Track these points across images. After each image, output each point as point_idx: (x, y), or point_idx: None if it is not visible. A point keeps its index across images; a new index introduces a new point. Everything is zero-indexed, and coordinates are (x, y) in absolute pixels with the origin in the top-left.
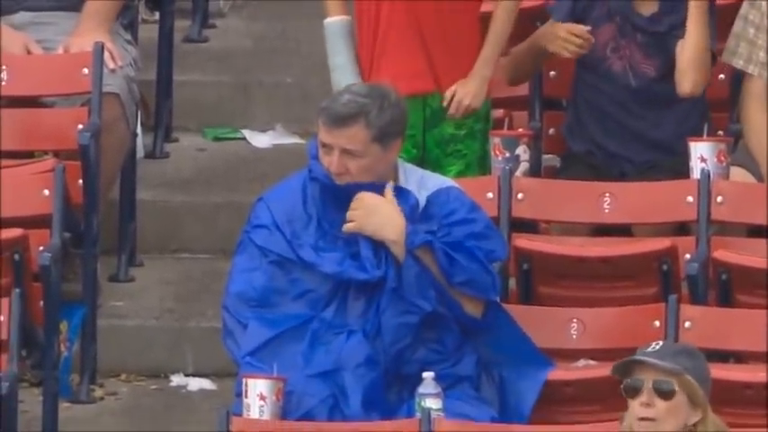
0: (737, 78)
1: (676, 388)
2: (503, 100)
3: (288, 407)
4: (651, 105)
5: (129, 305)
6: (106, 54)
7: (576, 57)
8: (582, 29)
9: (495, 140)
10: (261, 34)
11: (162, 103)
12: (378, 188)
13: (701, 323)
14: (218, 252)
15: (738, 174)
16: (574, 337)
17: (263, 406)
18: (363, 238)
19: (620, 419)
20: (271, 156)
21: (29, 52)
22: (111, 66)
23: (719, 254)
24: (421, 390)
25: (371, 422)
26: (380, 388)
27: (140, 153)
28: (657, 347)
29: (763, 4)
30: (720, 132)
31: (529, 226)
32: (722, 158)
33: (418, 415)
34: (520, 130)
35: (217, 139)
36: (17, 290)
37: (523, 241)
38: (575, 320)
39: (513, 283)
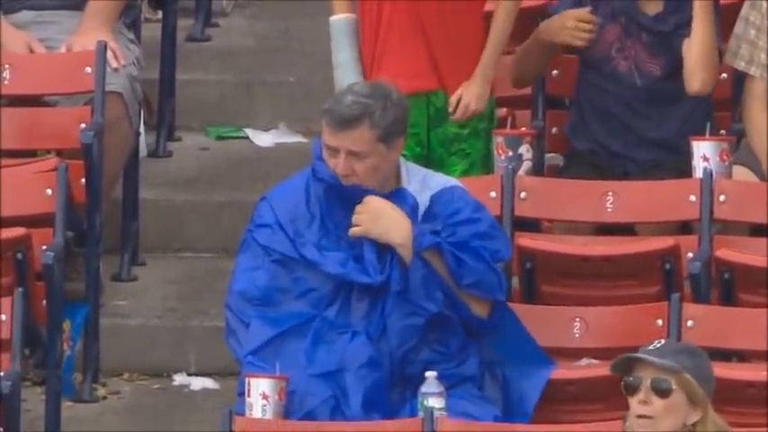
0: (740, 78)
1: (674, 386)
2: (506, 99)
3: (290, 406)
4: (656, 104)
5: (132, 304)
6: (109, 53)
7: (585, 45)
8: (589, 15)
9: (498, 139)
10: (264, 33)
11: (165, 102)
12: (401, 195)
13: (703, 322)
14: (220, 251)
15: (741, 173)
16: (576, 335)
17: (265, 405)
18: (368, 241)
19: (622, 418)
20: (274, 154)
21: (31, 51)
22: (114, 65)
23: (722, 253)
24: (424, 389)
25: (374, 421)
26: (382, 389)
27: (143, 152)
28: (659, 346)
29: (764, 5)
30: (723, 131)
31: (532, 225)
32: (725, 157)
33: (421, 414)
34: (523, 129)
35: (220, 137)
36: (20, 289)
37: (526, 240)
38: (577, 319)
39: (515, 281)
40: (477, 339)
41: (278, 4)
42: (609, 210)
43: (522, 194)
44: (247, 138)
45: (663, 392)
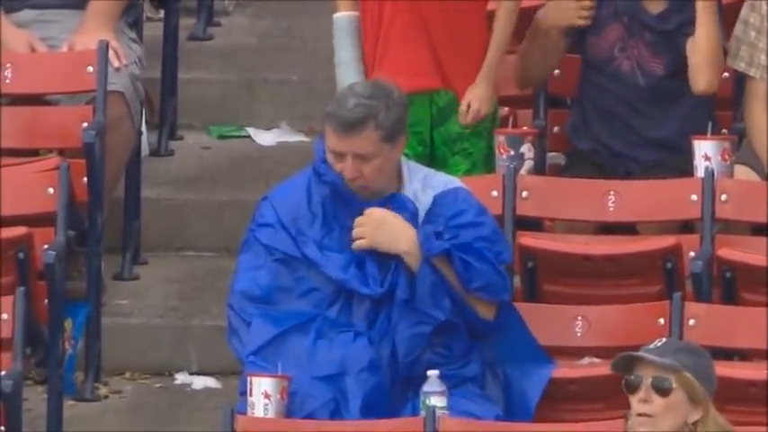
0: (741, 77)
1: (674, 385)
2: (507, 98)
3: (291, 407)
4: (658, 104)
5: (134, 303)
6: (111, 52)
7: (587, 24)
8: None
9: (500, 139)
10: (265, 32)
11: (167, 101)
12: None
13: (705, 321)
14: (222, 250)
15: (742, 172)
16: (578, 334)
17: (267, 404)
18: (369, 253)
19: (624, 417)
20: (275, 153)
21: (33, 50)
22: (116, 64)
23: (723, 252)
24: (425, 388)
25: (376, 420)
26: (382, 394)
27: (145, 151)
28: (660, 344)
29: (764, 7)
30: (724, 131)
31: (533, 224)
32: (726, 157)
33: (423, 413)
34: (524, 128)
35: (222, 136)
36: (21, 288)
37: (528, 239)
38: (579, 318)
39: (517, 280)
40: (481, 341)
41: (280, 3)
42: (610, 209)
43: (524, 194)
44: (249, 137)
45: (663, 391)
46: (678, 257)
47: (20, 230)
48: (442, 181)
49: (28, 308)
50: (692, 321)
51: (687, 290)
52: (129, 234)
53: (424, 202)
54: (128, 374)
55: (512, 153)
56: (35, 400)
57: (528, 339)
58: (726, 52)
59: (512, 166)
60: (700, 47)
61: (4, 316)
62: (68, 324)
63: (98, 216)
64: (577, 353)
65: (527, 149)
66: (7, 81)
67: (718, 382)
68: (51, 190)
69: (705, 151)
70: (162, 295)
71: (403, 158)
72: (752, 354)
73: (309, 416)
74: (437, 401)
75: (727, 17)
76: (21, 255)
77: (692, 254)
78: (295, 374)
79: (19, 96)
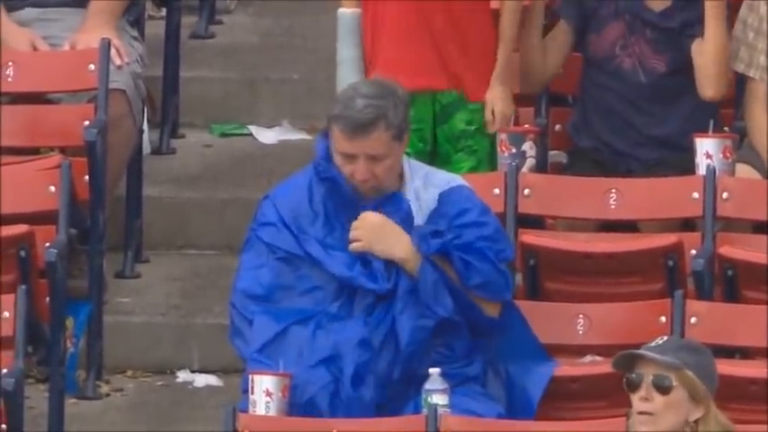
0: (742, 76)
1: (675, 383)
2: None
3: (293, 398)
4: (659, 101)
5: (136, 301)
6: (112, 50)
7: None
8: None
9: (502, 137)
10: (267, 30)
11: (168, 100)
12: (395, 200)
13: (706, 319)
14: (224, 248)
15: (744, 170)
16: (580, 332)
17: (269, 402)
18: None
19: (626, 415)
20: (277, 152)
21: (35, 48)
22: (118, 62)
23: (725, 250)
24: (427, 386)
25: (379, 419)
26: (373, 369)
27: (147, 149)
28: (661, 342)
29: (762, 7)
30: (726, 129)
31: (535, 222)
32: (728, 155)
33: (425, 411)
34: (526, 126)
35: (223, 135)
36: (23, 286)
37: (530, 237)
38: (581, 316)
39: (519, 278)
40: (483, 339)
41: (281, 2)
42: (612, 207)
43: (526, 191)
44: (251, 135)
45: (664, 389)
46: (679, 255)
47: (21, 228)
48: (444, 178)
49: (29, 306)
50: (693, 319)
51: (688, 288)
52: (130, 232)
53: (425, 199)
54: (129, 372)
55: (514, 151)
56: (37, 398)
57: (529, 338)
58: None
59: (514, 164)
60: (708, 53)
61: (6, 314)
62: (70, 322)
63: (100, 214)
64: (579, 351)
65: (529, 147)
66: (9, 79)
67: (720, 380)
68: (53, 188)
69: (707, 149)
70: (164, 293)
71: (404, 156)
72: (753, 352)
73: (310, 401)
74: (439, 399)
75: (730, 16)
76: (22, 253)
77: (694, 252)
78: (296, 366)
79: (20, 95)
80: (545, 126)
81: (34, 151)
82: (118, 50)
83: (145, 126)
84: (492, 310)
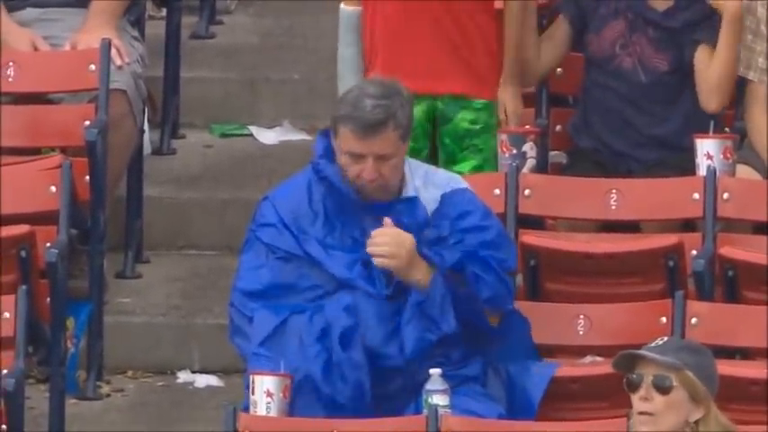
0: (743, 77)
1: (675, 383)
2: None
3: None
4: (660, 100)
5: (136, 302)
6: (113, 51)
7: None
8: None
9: (503, 137)
10: (268, 31)
11: (169, 100)
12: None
13: (707, 319)
14: (224, 248)
15: (744, 171)
16: (580, 333)
17: (269, 403)
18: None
19: (626, 416)
20: (278, 152)
21: (36, 49)
22: (119, 62)
23: (725, 250)
24: (428, 386)
25: (379, 419)
26: (358, 331)
27: (147, 149)
28: (661, 343)
29: (759, 9)
30: (726, 129)
31: (536, 222)
32: (728, 155)
33: (425, 412)
34: (527, 126)
35: (224, 135)
36: (24, 286)
37: (530, 238)
38: (581, 317)
39: (519, 279)
40: (482, 345)
41: (282, 2)
42: (612, 207)
43: (527, 192)
44: (251, 135)
45: (664, 389)
46: (680, 256)
47: (22, 229)
48: (444, 178)
49: (30, 306)
50: (694, 320)
51: (689, 288)
52: (131, 232)
53: (426, 198)
54: (130, 373)
55: (514, 152)
56: (37, 398)
57: (527, 342)
58: None
59: (514, 164)
60: (717, 69)
61: (6, 314)
62: (70, 322)
63: (100, 214)
64: (579, 351)
65: (529, 148)
66: (10, 80)
67: (720, 381)
68: (53, 188)
69: (707, 150)
70: (164, 294)
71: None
72: (754, 352)
73: (307, 377)
74: (439, 400)
75: None
76: (23, 253)
77: (694, 252)
78: (299, 354)
79: (21, 95)
80: (545, 127)
81: (35, 151)
82: (118, 50)
83: (145, 126)
84: (492, 320)
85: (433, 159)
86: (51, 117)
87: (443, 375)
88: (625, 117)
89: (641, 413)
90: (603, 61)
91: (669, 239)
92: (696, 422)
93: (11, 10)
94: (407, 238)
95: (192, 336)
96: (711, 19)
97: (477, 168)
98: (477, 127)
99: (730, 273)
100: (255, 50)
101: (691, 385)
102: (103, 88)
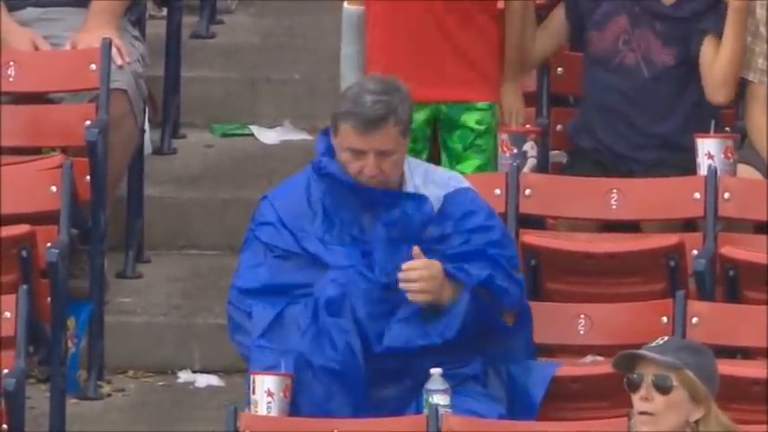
0: (743, 78)
1: (674, 383)
2: None
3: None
4: (661, 97)
5: (137, 301)
6: (114, 50)
7: None
8: None
9: (503, 137)
10: (268, 30)
11: (169, 100)
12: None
13: (708, 319)
14: (225, 248)
15: (745, 171)
16: (581, 332)
17: (270, 402)
18: (380, 242)
19: (627, 416)
20: (278, 152)
21: (36, 48)
22: (119, 62)
23: (726, 250)
24: (428, 386)
25: (380, 419)
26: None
27: (148, 149)
28: (661, 343)
29: (758, 10)
30: (727, 129)
31: (536, 222)
32: (729, 155)
33: (426, 412)
34: (527, 126)
35: (224, 135)
36: (24, 286)
37: (531, 237)
38: (582, 316)
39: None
40: (482, 343)
41: (282, 2)
42: (613, 207)
43: (527, 192)
44: (252, 135)
45: (664, 389)
46: (681, 255)
47: (23, 229)
48: (445, 177)
49: (31, 306)
50: (694, 320)
51: (690, 288)
52: (131, 232)
53: (427, 196)
54: (131, 373)
55: (515, 151)
56: (38, 398)
57: (530, 337)
58: None
59: (515, 164)
60: (724, 60)
61: (7, 314)
62: (71, 322)
63: (101, 214)
64: (580, 351)
65: (530, 147)
66: (10, 79)
67: (721, 381)
68: (54, 188)
69: (708, 149)
70: (165, 293)
71: None
72: (754, 352)
73: (300, 353)
74: (440, 400)
75: None
76: (23, 253)
77: (695, 252)
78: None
79: (22, 94)
80: (546, 126)
81: (36, 151)
82: (119, 50)
83: (146, 126)
84: (509, 319)
85: (432, 161)
86: (52, 117)
87: (444, 375)
88: (626, 117)
89: (641, 413)
90: (605, 58)
91: (670, 239)
92: (696, 422)
93: (11, 9)
94: (437, 266)
95: (192, 335)
96: (717, 8)
97: (480, 168)
98: (483, 127)
99: (731, 272)
100: (256, 50)
101: (691, 385)
102: (104, 88)
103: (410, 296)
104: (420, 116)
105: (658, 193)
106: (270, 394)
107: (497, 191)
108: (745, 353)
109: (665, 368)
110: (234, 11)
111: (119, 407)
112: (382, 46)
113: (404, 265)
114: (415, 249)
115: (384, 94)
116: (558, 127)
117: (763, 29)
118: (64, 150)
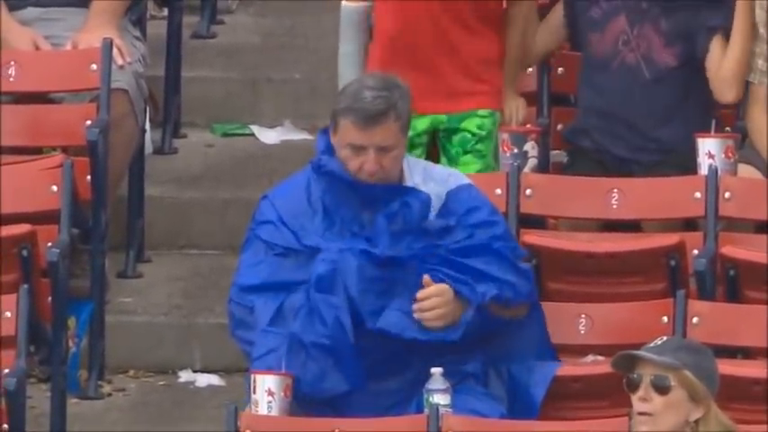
0: None
1: (673, 383)
2: None
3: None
4: (661, 98)
5: (138, 301)
6: (114, 50)
7: None
8: None
9: (504, 136)
10: (269, 30)
11: (170, 99)
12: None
13: (708, 319)
14: (226, 248)
15: (746, 170)
16: (582, 332)
17: (270, 402)
18: (382, 225)
19: (628, 415)
20: (279, 152)
21: (37, 48)
22: (120, 62)
23: (727, 250)
24: (429, 386)
25: (380, 419)
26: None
27: (149, 149)
28: (660, 343)
29: (758, 11)
30: (728, 129)
31: (537, 222)
32: (730, 154)
33: (426, 411)
34: (528, 126)
35: (225, 135)
36: (25, 286)
37: (532, 237)
38: (583, 316)
39: None
40: (482, 341)
41: (283, 2)
42: (614, 207)
43: (528, 191)
44: (253, 135)
45: (662, 389)
46: (682, 255)
47: (23, 228)
48: (444, 174)
49: (31, 306)
50: (695, 319)
51: (691, 288)
52: (132, 232)
53: (428, 193)
54: (131, 372)
55: (515, 151)
56: (38, 398)
57: (542, 335)
58: None
59: (515, 164)
60: (733, 58)
61: (8, 314)
62: (72, 322)
63: (101, 214)
64: (581, 351)
65: (531, 147)
66: (11, 79)
67: (721, 381)
68: (55, 188)
69: (709, 149)
70: (166, 293)
71: None
72: (755, 352)
73: (293, 334)
74: (441, 399)
75: None
76: (24, 252)
77: (696, 252)
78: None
79: (22, 94)
80: (547, 126)
81: (36, 151)
82: (120, 50)
83: (147, 126)
84: (522, 311)
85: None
86: (52, 116)
87: (444, 372)
88: (626, 119)
89: (640, 413)
90: (606, 61)
91: (670, 239)
92: (696, 422)
93: (12, 9)
94: (448, 291)
95: (193, 335)
96: (724, 3)
97: (478, 172)
98: (483, 133)
99: (732, 272)
100: (257, 50)
101: (690, 385)
102: (105, 88)
103: (427, 324)
104: (419, 125)
105: (659, 193)
106: (270, 393)
107: (498, 191)
108: (746, 353)
109: (664, 368)
110: (234, 11)
111: (119, 406)
112: (383, 60)
113: (418, 295)
114: (426, 278)
115: (384, 90)
116: (559, 126)
117: (762, 30)
118: (65, 150)
